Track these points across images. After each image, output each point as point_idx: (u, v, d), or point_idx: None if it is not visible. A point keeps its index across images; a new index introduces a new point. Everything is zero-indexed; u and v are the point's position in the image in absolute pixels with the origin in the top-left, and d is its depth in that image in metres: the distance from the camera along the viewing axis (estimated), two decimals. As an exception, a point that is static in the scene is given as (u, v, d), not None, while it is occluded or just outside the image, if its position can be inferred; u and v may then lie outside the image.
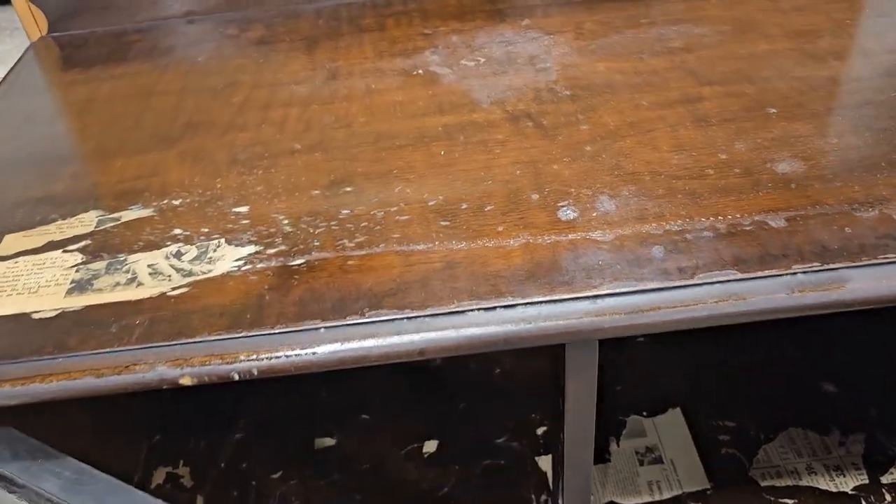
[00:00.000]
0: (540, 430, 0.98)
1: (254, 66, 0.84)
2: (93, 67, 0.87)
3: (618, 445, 1.01)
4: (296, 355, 0.51)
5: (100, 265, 0.59)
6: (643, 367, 1.08)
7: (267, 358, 0.52)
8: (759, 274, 0.52)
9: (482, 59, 0.80)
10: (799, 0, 0.84)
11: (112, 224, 0.63)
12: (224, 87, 0.80)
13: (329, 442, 0.99)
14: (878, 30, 0.78)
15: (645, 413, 1.04)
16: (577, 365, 0.58)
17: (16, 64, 0.89)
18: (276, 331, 0.52)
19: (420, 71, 0.79)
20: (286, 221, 0.61)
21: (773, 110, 0.67)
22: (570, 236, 0.57)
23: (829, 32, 0.78)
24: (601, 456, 0.99)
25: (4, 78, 0.86)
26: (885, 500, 0.86)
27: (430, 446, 0.98)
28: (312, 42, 0.87)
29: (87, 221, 0.64)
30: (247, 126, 0.73)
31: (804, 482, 0.95)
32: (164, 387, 0.53)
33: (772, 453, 0.98)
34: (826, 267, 0.52)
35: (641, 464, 0.99)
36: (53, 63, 0.90)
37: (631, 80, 0.74)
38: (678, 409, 1.04)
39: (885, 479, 0.93)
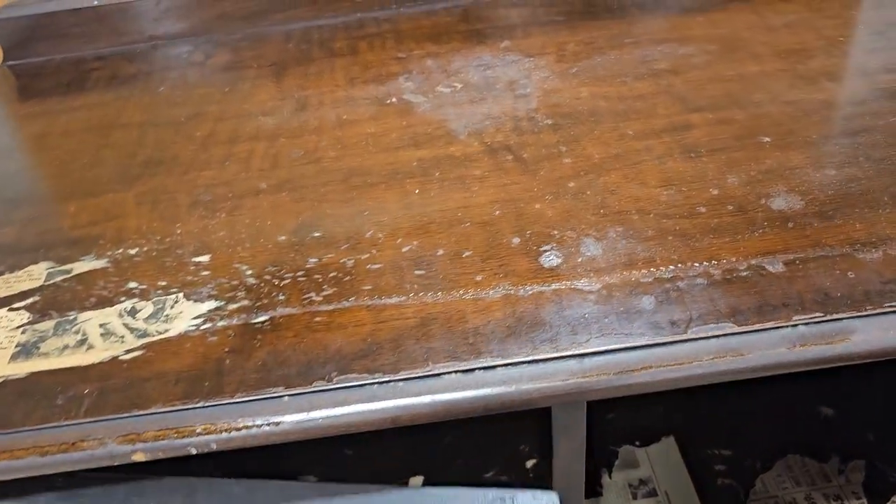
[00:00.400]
0: (529, 463, 0.94)
1: (219, 95, 0.79)
2: (49, 98, 0.82)
3: (610, 477, 0.97)
4: (257, 427, 0.47)
5: (47, 325, 0.55)
6: (635, 395, 1.04)
7: (226, 430, 0.47)
8: (758, 327, 0.49)
9: (459, 86, 0.76)
10: (788, 16, 0.80)
11: (62, 277, 0.59)
12: (187, 119, 0.76)
13: (311, 479, 0.94)
14: (874, 47, 0.74)
15: (638, 443, 1.00)
16: (564, 424, 0.54)
17: (-31, 95, 0.85)
18: (236, 400, 0.48)
19: (394, 99, 0.75)
20: (249, 272, 0.57)
21: (766, 139, 0.64)
22: (554, 286, 0.53)
23: (822, 51, 0.74)
24: (593, 489, 0.95)
25: (-44, 111, 0.82)
26: (888, 534, 0.83)
27: (416, 482, 0.94)
28: (281, 68, 0.83)
29: (35, 274, 0.60)
30: (210, 163, 0.69)
31: (803, 513, 0.92)
32: (116, 463, 0.48)
33: (769, 483, 0.94)
34: (829, 318, 0.49)
35: (635, 497, 0.95)
36: (8, 94, 0.85)
37: (615, 106, 0.70)
38: (671, 438, 1.00)
39: (887, 509, 0.89)
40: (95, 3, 0.86)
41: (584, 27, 0.82)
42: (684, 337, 0.49)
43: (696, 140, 0.64)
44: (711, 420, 1.00)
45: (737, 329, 0.49)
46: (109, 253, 0.61)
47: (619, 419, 1.02)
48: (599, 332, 0.49)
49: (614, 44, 0.79)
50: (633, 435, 1.00)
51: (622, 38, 0.80)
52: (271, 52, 0.86)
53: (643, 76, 0.73)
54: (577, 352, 0.48)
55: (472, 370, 0.48)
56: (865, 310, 0.49)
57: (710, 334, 0.48)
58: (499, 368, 0.48)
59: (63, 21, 0.89)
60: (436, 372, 0.48)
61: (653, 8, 0.85)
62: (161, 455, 0.48)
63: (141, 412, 0.48)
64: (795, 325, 0.49)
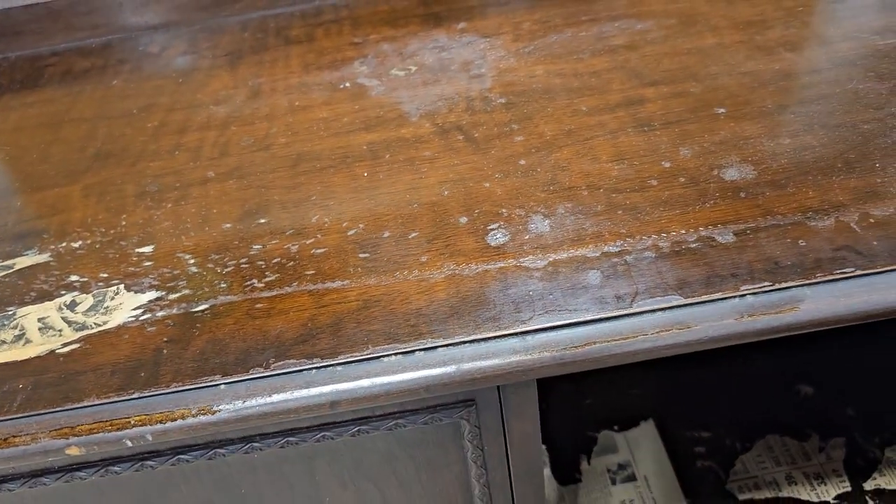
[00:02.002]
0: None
1: (172, 86, 0.78)
2: (3, 96, 0.81)
3: (588, 464, 0.96)
4: (192, 416, 0.46)
5: (-15, 321, 0.54)
6: (613, 378, 1.03)
7: (160, 421, 0.46)
8: (705, 298, 0.47)
9: (413, 68, 0.74)
10: (748, -13, 0.79)
11: (4, 273, 0.58)
12: (139, 111, 0.74)
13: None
14: (835, 16, 0.73)
15: (616, 427, 0.99)
16: (515, 402, 0.52)
17: (-78, 96, 0.83)
18: (172, 389, 0.47)
19: (347, 84, 0.73)
20: (192, 261, 0.56)
21: (721, 110, 0.62)
22: (500, 264, 0.52)
23: (781, 22, 0.73)
24: (571, 476, 0.94)
25: None
26: (867, 510, 0.82)
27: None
28: (236, 57, 0.81)
29: (-23, 271, 0.58)
30: (160, 153, 0.68)
31: (784, 493, 0.90)
32: (50, 459, 0.47)
33: (749, 464, 0.93)
34: (778, 286, 0.47)
35: (614, 482, 0.94)
36: (-37, 93, 0.84)
37: (570, 83, 0.68)
38: (650, 421, 0.99)
39: (867, 486, 0.88)
40: (48, -2, 0.85)
41: (540, 6, 0.81)
42: (630, 311, 0.47)
43: (650, 114, 0.63)
44: (689, 402, 0.99)
45: (683, 301, 0.47)
46: (52, 247, 0.59)
47: (596, 404, 1.01)
48: (543, 309, 0.48)
49: (571, 21, 0.77)
50: (611, 419, 0.99)
51: (579, 15, 0.78)
52: (227, 43, 0.84)
53: (599, 52, 0.72)
54: (519, 329, 0.47)
55: (412, 352, 0.47)
56: (815, 277, 0.47)
57: (656, 307, 0.47)
58: (440, 349, 0.47)
59: (17, 18, 0.88)
60: (375, 355, 0.47)
61: (612, -16, 0.84)
62: (96, 449, 0.47)
63: (75, 405, 0.47)
64: (744, 296, 0.47)
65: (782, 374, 0.99)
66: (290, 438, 0.52)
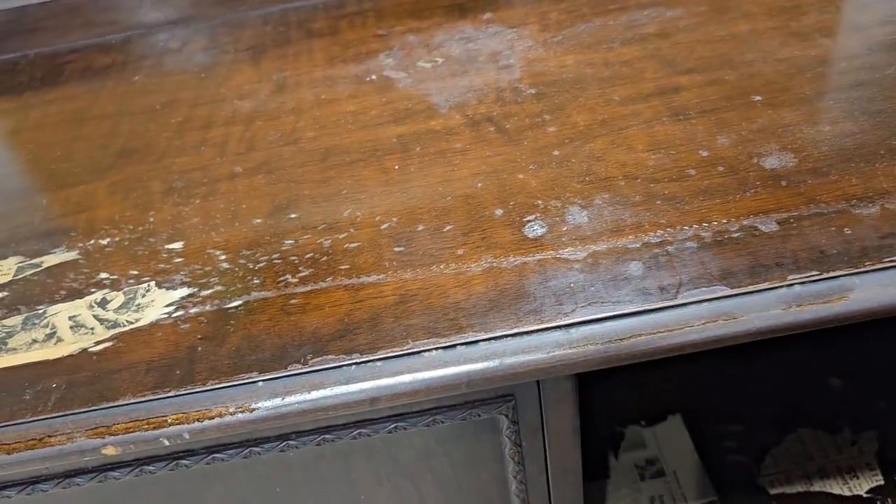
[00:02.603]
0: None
1: (195, 81, 0.77)
2: (23, 94, 0.80)
3: (616, 459, 0.95)
4: (230, 414, 0.45)
5: (16, 320, 0.53)
6: (640, 372, 1.02)
7: (198, 419, 0.45)
8: (751, 288, 0.46)
9: (440, 60, 0.73)
10: (779, -27, 0.77)
11: (33, 271, 0.57)
12: (162, 106, 0.74)
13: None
14: (867, 1, 0.71)
15: (644, 422, 0.98)
16: (555, 398, 0.51)
17: (-57, 94, 0.83)
18: (208, 387, 0.46)
19: (373, 76, 0.72)
20: (223, 257, 0.55)
21: (758, 97, 0.61)
22: (538, 256, 0.51)
23: (815, 7, 0.71)
24: (599, 472, 0.93)
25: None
26: (903, 504, 0.81)
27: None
28: (259, 51, 0.80)
29: (5, 270, 0.58)
30: (185, 149, 0.67)
31: (815, 487, 0.89)
32: (86, 459, 0.47)
33: (780, 458, 0.92)
34: (825, 276, 0.46)
35: (642, 478, 0.93)
36: (-16, 91, 0.83)
37: (601, 72, 0.67)
38: (678, 416, 0.98)
39: (901, 480, 0.87)
40: (68, -7, 0.84)
41: (568, -4, 0.80)
42: (674, 302, 0.46)
43: (685, 102, 0.62)
44: (718, 396, 0.98)
45: (729, 292, 0.46)
46: (81, 244, 0.59)
47: (623, 399, 0.99)
48: (585, 301, 0.47)
49: (598, 10, 0.76)
50: (638, 415, 0.98)
51: (607, 4, 0.77)
52: (248, 37, 0.83)
53: (629, 41, 0.71)
54: (562, 322, 0.46)
55: (454, 346, 0.46)
56: (863, 266, 0.46)
57: (701, 298, 0.46)
58: (481, 343, 0.46)
59: (34, 15, 0.87)
60: (415, 350, 0.46)
61: (638, -27, 0.82)
62: (133, 448, 0.46)
63: (110, 404, 0.46)
64: (791, 285, 0.46)
65: (813, 366, 0.98)
66: (327, 436, 0.51)
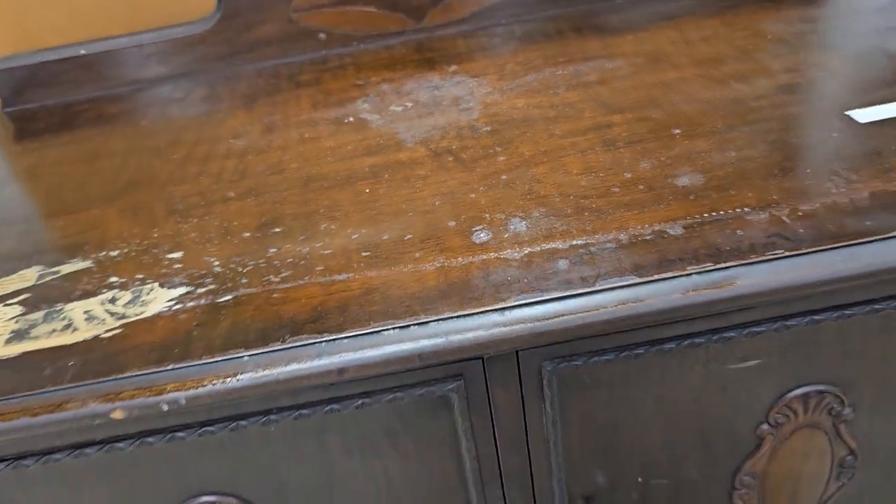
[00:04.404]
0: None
1: (196, 124, 0.88)
2: (42, 136, 0.91)
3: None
4: (221, 382, 0.54)
5: (37, 315, 0.62)
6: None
7: (193, 387, 0.54)
8: (656, 277, 0.56)
9: (410, 104, 0.84)
10: (705, 31, 0.89)
11: (52, 277, 0.66)
12: (166, 145, 0.84)
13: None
14: (778, 53, 0.82)
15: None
16: (499, 375, 0.60)
17: (-30, 139, 0.93)
18: (203, 361, 0.55)
19: (351, 119, 0.83)
20: (217, 263, 0.64)
21: (678, 131, 0.72)
22: (482, 257, 0.60)
23: (733, 58, 0.83)
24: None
25: (-42, 151, 0.90)
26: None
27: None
28: (252, 99, 0.91)
29: (28, 276, 0.67)
30: (185, 179, 0.77)
31: None
32: (97, 421, 0.55)
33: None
34: (718, 267, 0.56)
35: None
36: (5, 136, 0.93)
37: (547, 113, 0.78)
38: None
39: None
40: (82, 51, 0.95)
41: (522, 51, 0.91)
42: (592, 289, 0.55)
43: (616, 136, 0.72)
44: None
45: (638, 280, 0.56)
46: (93, 255, 0.68)
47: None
48: (519, 290, 0.56)
49: (549, 63, 0.87)
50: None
51: (557, 57, 0.88)
52: (243, 87, 0.94)
53: (573, 87, 0.82)
54: (499, 306, 0.55)
55: (408, 326, 0.55)
56: (750, 258, 0.56)
57: (614, 286, 0.55)
58: (431, 324, 0.55)
59: (53, 69, 0.98)
60: (376, 329, 0.55)
61: (587, 31, 0.94)
62: (137, 412, 0.54)
63: (119, 376, 0.55)
64: (689, 275, 0.56)
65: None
66: (303, 411, 0.59)
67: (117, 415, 0.54)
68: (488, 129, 0.77)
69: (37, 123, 0.94)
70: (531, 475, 0.68)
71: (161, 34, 0.96)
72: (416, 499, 0.66)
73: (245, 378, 0.54)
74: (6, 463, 0.59)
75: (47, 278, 0.66)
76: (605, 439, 0.67)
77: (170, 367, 0.55)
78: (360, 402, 0.59)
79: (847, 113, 0.70)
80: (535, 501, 0.70)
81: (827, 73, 0.77)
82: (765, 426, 0.68)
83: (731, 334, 0.61)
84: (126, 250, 0.68)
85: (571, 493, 0.70)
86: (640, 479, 0.71)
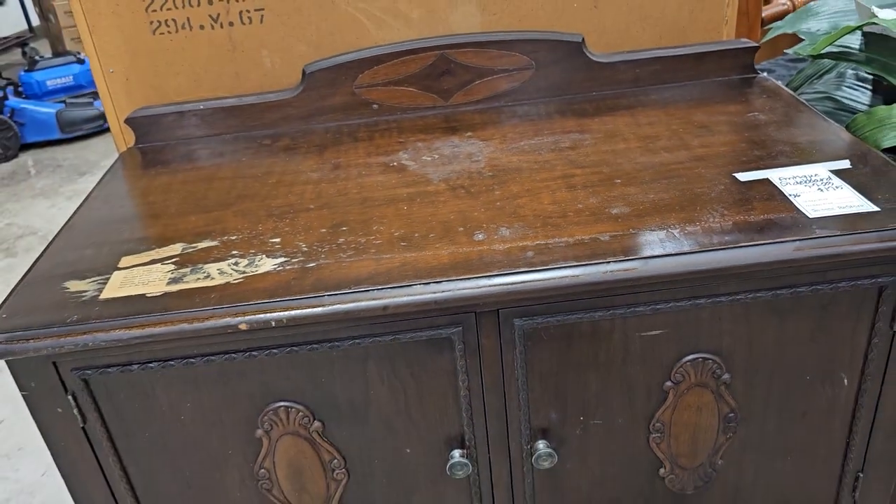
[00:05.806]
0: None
1: (282, 162, 1.22)
2: (168, 166, 1.26)
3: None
4: (310, 309, 0.87)
5: (186, 270, 0.95)
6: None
7: (291, 309, 0.87)
8: (588, 262, 0.88)
9: (437, 156, 1.18)
10: (651, 118, 1.24)
11: (192, 250, 1.00)
12: (262, 174, 1.18)
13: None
14: (699, 135, 1.16)
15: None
16: (485, 327, 0.92)
17: (113, 164, 1.29)
18: (298, 297, 0.88)
19: (395, 163, 1.17)
20: (304, 246, 0.98)
21: (618, 181, 1.05)
22: (479, 248, 0.93)
23: (666, 137, 1.17)
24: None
25: (107, 171, 1.25)
26: None
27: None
28: (322, 147, 1.26)
29: (175, 249, 1.00)
30: (278, 196, 1.11)
31: None
32: (229, 331, 0.87)
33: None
34: (627, 258, 0.88)
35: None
36: (138, 164, 1.29)
37: (532, 166, 1.12)
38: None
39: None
40: (201, 106, 1.31)
41: (521, 125, 1.26)
42: (546, 268, 0.88)
43: (576, 182, 1.06)
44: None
45: (577, 264, 0.88)
46: (219, 238, 1.02)
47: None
48: (499, 269, 0.89)
49: (537, 134, 1.22)
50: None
51: (542, 130, 1.23)
52: (316, 139, 1.29)
53: (552, 150, 1.16)
54: (487, 274, 0.88)
55: (428, 283, 0.88)
56: (648, 255, 0.88)
57: (560, 266, 0.88)
58: (443, 283, 0.88)
59: (175, 118, 1.34)
60: (408, 284, 0.88)
61: (568, 114, 1.29)
62: (255, 326, 0.87)
63: (244, 303, 0.88)
64: (609, 262, 0.88)
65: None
66: (356, 340, 0.92)
67: (243, 326, 0.87)
68: (490, 174, 1.11)
69: (163, 155, 1.29)
70: (505, 408, 0.99)
71: (260, 97, 1.31)
72: (425, 415, 0.98)
73: (324, 307, 0.87)
74: (158, 363, 0.92)
75: (189, 250, 1.00)
76: (557, 385, 0.98)
77: (276, 300, 0.88)
78: (392, 337, 0.92)
79: (734, 174, 1.04)
80: (507, 428, 1.00)
81: (729, 148, 1.11)
82: (668, 383, 0.99)
83: (641, 309, 0.93)
84: (241, 236, 1.02)
85: (532, 426, 1.01)
86: (581, 419, 1.01)
